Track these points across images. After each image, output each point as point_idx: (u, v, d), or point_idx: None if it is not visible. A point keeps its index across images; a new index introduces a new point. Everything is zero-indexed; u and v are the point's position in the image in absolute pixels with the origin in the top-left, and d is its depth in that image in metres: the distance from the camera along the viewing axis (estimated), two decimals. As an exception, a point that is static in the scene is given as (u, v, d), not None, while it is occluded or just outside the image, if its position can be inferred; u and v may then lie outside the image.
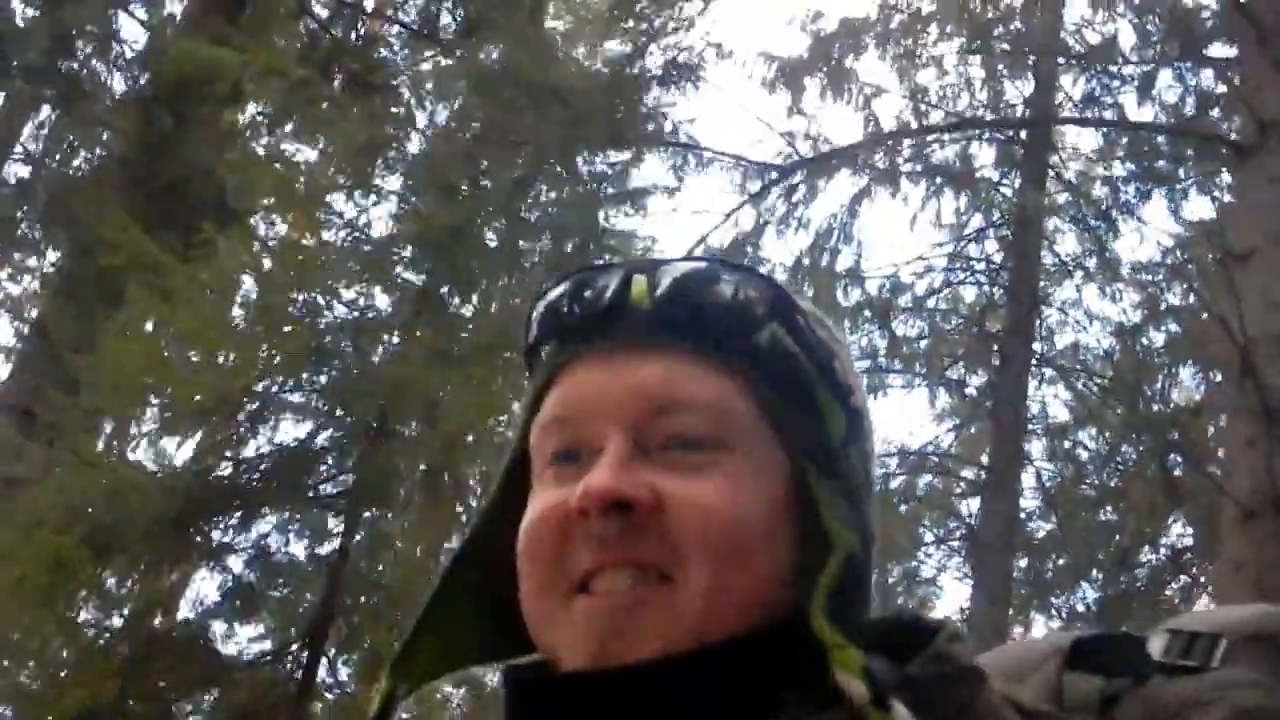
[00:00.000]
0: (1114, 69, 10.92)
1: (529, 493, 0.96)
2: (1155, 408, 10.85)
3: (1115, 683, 1.00)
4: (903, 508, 11.60)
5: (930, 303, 11.81)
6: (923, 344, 11.78)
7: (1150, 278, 11.36)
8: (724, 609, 0.88)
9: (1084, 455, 11.93)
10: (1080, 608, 11.46)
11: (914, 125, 11.31)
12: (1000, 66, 11.48)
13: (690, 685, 0.87)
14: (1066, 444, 11.93)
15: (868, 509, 0.97)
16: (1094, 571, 11.39)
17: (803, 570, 0.90)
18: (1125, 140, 11.35)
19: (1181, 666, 1.00)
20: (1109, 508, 11.59)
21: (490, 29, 8.51)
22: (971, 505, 11.89)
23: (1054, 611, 11.74)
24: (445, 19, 9.55)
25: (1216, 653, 1.00)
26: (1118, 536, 11.32)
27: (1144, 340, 11.37)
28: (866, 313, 11.30)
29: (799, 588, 0.90)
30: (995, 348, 11.37)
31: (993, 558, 10.18)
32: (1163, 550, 11.44)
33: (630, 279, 0.95)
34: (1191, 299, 10.56)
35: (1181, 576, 11.39)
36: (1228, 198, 9.97)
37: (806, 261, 11.14)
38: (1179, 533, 11.42)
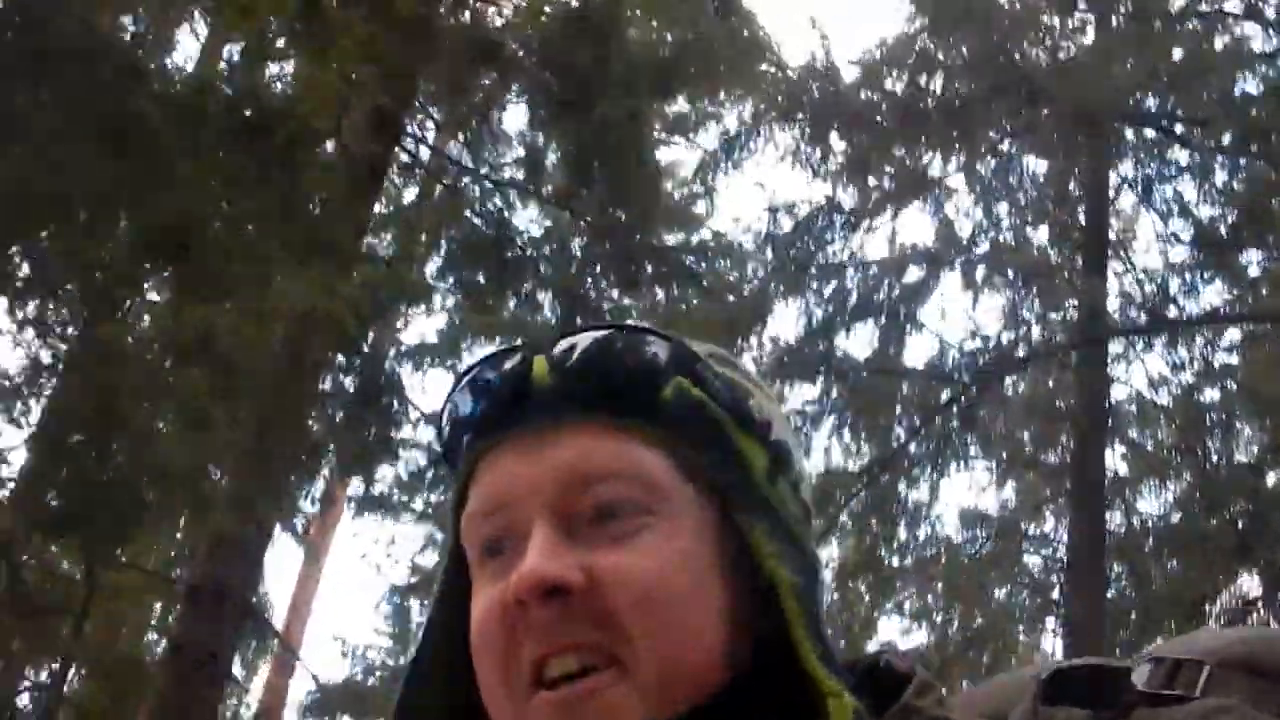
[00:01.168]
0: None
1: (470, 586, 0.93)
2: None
3: (1102, 715, 0.97)
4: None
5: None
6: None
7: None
8: (679, 678, 0.85)
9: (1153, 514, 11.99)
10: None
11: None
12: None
13: None
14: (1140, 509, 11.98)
15: (806, 541, 0.94)
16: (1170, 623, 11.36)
17: (757, 615, 0.88)
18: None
19: (1166, 695, 0.96)
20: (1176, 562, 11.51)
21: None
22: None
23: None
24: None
25: (1200, 680, 0.96)
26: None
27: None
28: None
29: (757, 634, 0.88)
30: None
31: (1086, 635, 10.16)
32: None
33: (530, 360, 0.93)
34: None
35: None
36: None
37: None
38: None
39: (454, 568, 0.96)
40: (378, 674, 16.22)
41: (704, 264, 9.85)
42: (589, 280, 9.56)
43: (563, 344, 0.93)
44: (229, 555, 8.36)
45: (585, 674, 0.84)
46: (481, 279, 10.09)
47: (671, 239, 10.59)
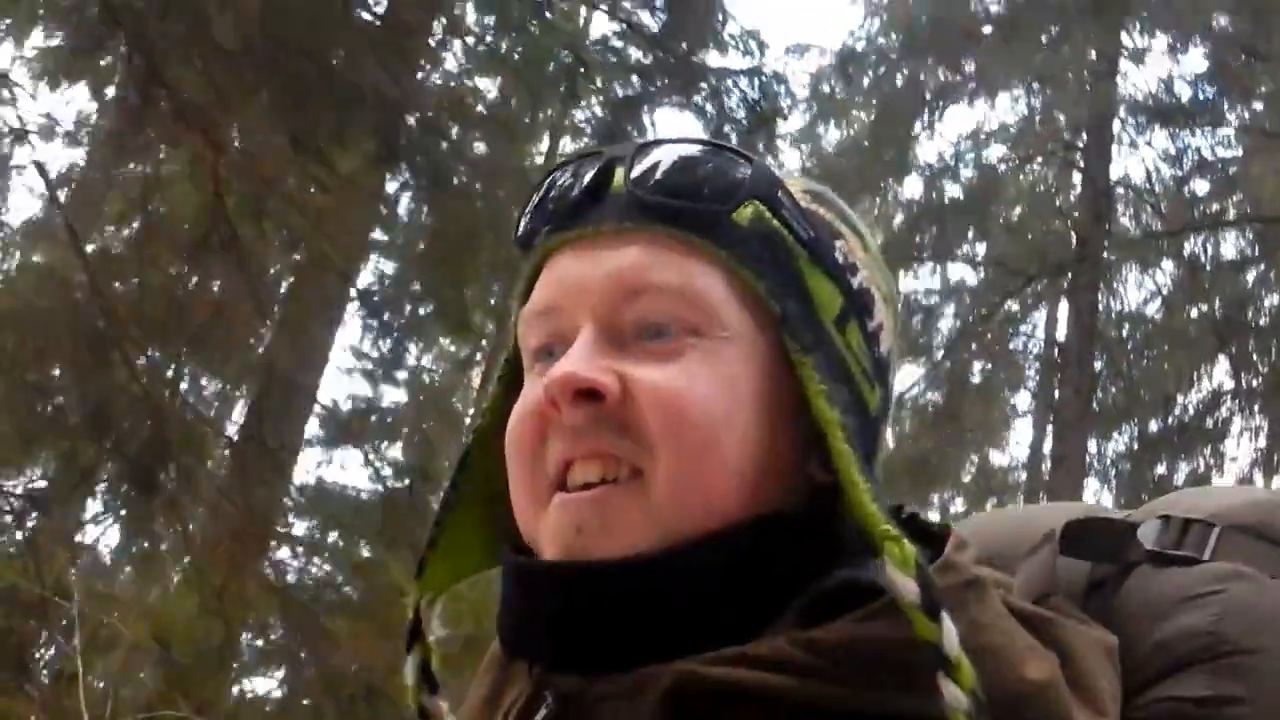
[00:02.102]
0: None
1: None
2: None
3: (1100, 569, 0.94)
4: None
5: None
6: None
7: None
8: (694, 500, 0.82)
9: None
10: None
11: None
12: None
13: (651, 588, 0.81)
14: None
15: (868, 388, 0.89)
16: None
17: (806, 456, 0.84)
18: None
19: (1174, 556, 0.92)
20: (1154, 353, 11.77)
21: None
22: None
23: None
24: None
25: (1210, 542, 0.93)
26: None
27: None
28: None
29: (804, 476, 0.84)
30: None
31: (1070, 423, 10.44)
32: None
33: (611, 164, 0.88)
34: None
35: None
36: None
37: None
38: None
39: (510, 371, 0.94)
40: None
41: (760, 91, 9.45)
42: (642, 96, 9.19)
43: (646, 152, 0.88)
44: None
45: (604, 484, 0.82)
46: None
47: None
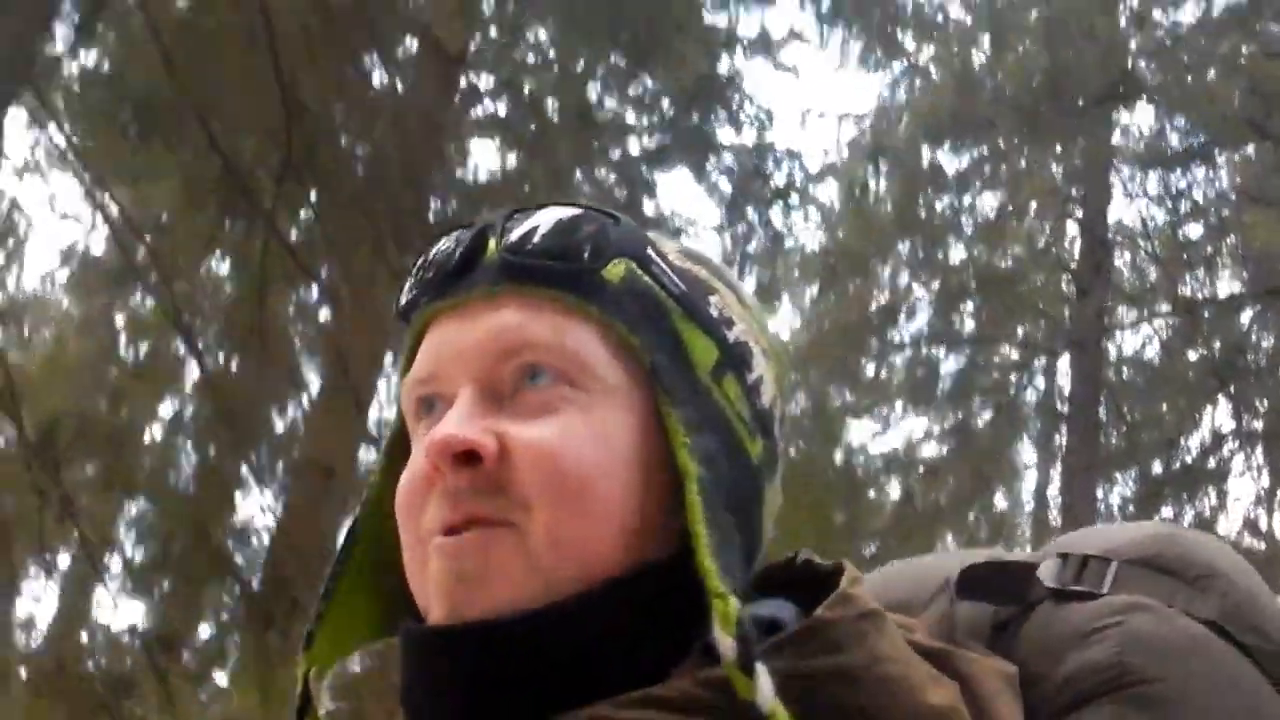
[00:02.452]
0: None
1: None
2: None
3: (1003, 611, 0.94)
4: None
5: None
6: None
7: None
8: (571, 555, 0.82)
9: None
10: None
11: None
12: None
13: (543, 641, 0.81)
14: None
15: (749, 437, 0.89)
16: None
17: (676, 511, 0.84)
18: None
19: (1073, 592, 0.93)
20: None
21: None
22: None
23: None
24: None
25: (1108, 576, 0.94)
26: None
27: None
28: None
29: (673, 530, 0.84)
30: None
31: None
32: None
33: (484, 232, 0.90)
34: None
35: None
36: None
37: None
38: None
39: (397, 441, 0.94)
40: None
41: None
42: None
43: (516, 217, 0.90)
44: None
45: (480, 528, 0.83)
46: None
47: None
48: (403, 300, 0.93)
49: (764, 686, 0.75)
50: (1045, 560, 0.96)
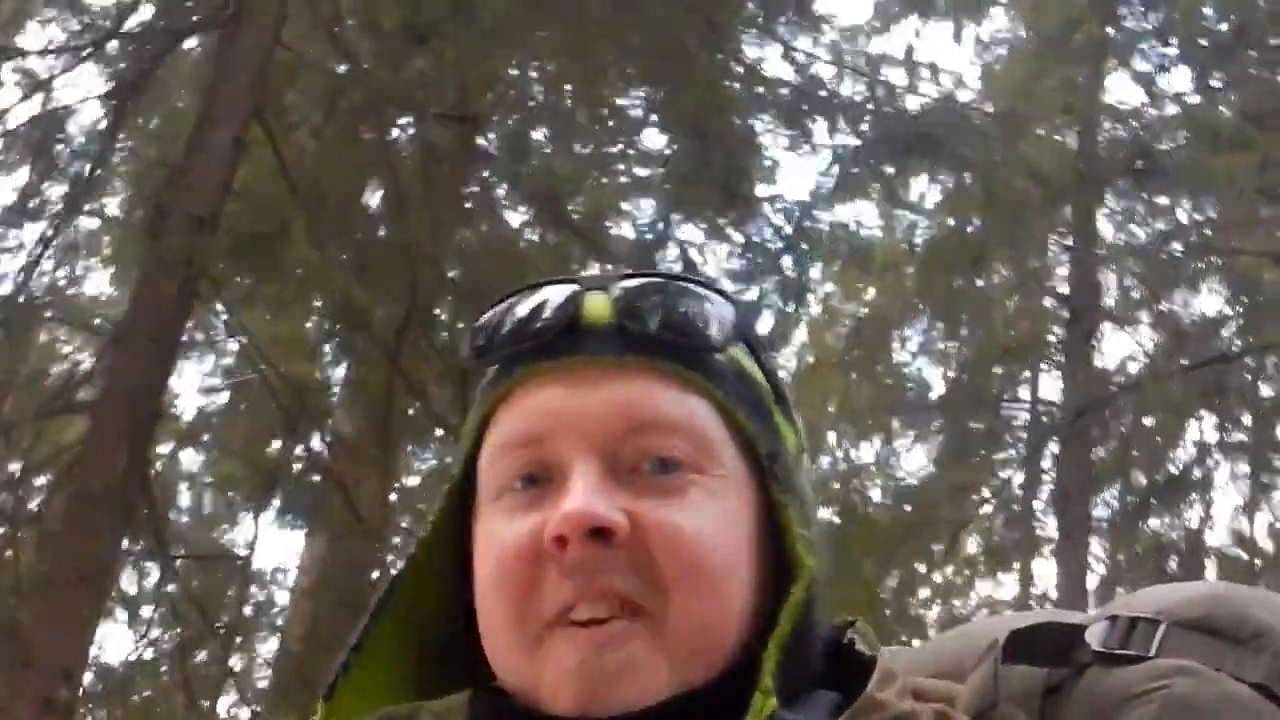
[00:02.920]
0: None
1: (471, 523, 0.88)
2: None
3: (1056, 673, 0.94)
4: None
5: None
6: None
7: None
8: (708, 645, 0.80)
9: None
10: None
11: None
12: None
13: None
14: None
15: (817, 529, 0.90)
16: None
17: (767, 598, 0.84)
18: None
19: (1120, 655, 0.93)
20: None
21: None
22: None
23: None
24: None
25: (1155, 638, 0.93)
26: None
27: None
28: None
29: (763, 618, 0.84)
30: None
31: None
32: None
33: (585, 295, 0.86)
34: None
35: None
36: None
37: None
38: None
39: (456, 498, 0.90)
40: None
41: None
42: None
43: (625, 284, 0.86)
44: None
45: (613, 620, 0.79)
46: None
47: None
48: (482, 349, 0.88)
49: None
50: (1094, 623, 0.96)
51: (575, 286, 0.87)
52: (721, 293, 0.88)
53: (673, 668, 0.80)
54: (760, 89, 8.26)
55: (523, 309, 0.87)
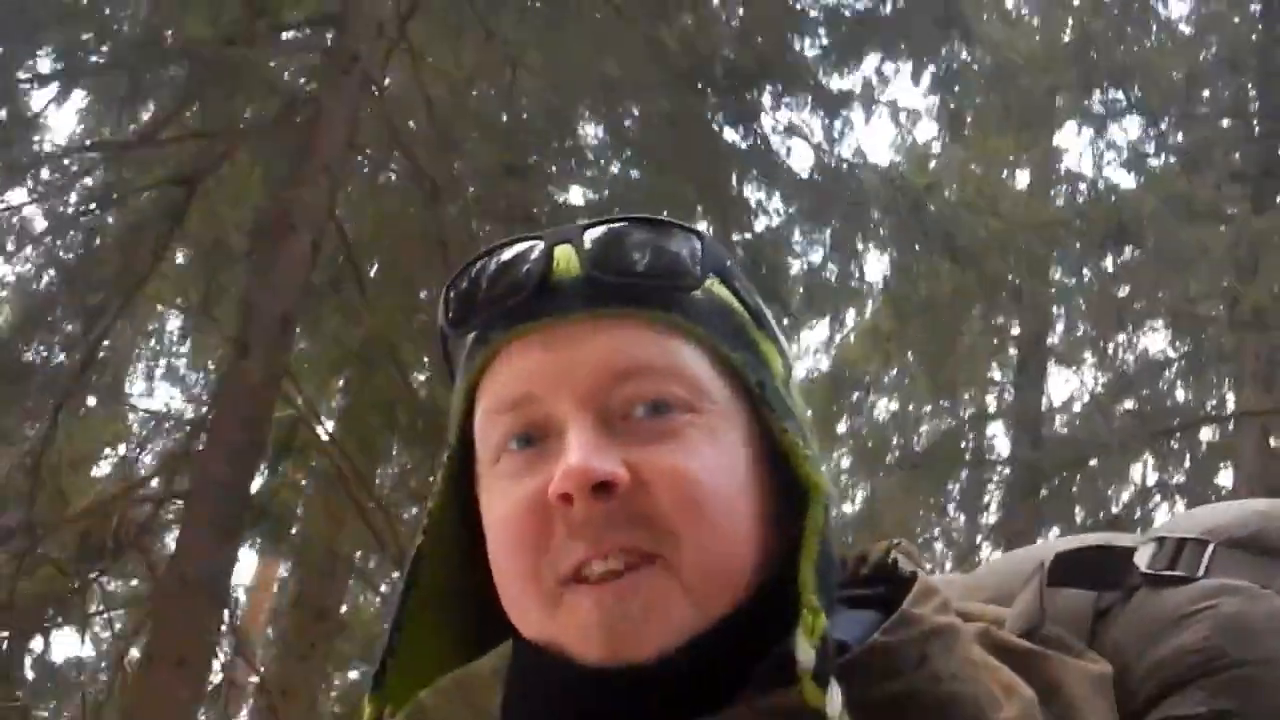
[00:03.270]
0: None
1: (476, 489, 0.87)
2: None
3: (1106, 596, 0.93)
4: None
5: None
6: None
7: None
8: (723, 581, 0.80)
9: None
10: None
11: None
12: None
13: (703, 667, 0.79)
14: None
15: (816, 446, 0.89)
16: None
17: (782, 522, 0.83)
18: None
19: (1167, 577, 0.92)
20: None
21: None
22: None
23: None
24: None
25: (1203, 559, 0.92)
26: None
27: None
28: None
29: (780, 543, 0.83)
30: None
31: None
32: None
33: (553, 250, 0.85)
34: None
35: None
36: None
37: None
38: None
39: (457, 466, 0.89)
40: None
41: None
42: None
43: (590, 234, 0.85)
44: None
45: (629, 570, 0.79)
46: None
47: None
48: (456, 319, 0.87)
49: (834, 698, 0.75)
50: (1142, 545, 0.95)
51: (541, 242, 0.86)
52: (687, 228, 0.87)
53: (694, 604, 0.79)
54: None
55: (492, 271, 0.86)
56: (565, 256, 0.85)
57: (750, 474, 0.84)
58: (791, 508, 0.83)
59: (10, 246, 7.59)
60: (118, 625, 8.55)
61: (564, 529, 0.80)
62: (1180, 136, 11.41)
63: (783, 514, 0.84)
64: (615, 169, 8.79)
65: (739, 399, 0.85)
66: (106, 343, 7.50)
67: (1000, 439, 12.81)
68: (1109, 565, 0.95)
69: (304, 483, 8.56)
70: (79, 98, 8.08)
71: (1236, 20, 11.65)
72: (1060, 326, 12.66)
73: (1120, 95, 11.50)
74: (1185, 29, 11.99)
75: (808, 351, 12.94)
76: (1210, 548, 0.93)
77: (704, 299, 0.86)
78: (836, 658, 0.78)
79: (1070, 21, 11.97)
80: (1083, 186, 11.63)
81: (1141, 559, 0.94)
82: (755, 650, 0.79)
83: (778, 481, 0.84)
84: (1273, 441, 10.50)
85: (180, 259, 8.14)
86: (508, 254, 0.86)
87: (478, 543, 0.87)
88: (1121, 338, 12.03)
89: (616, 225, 0.86)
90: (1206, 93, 11.28)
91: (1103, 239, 10.90)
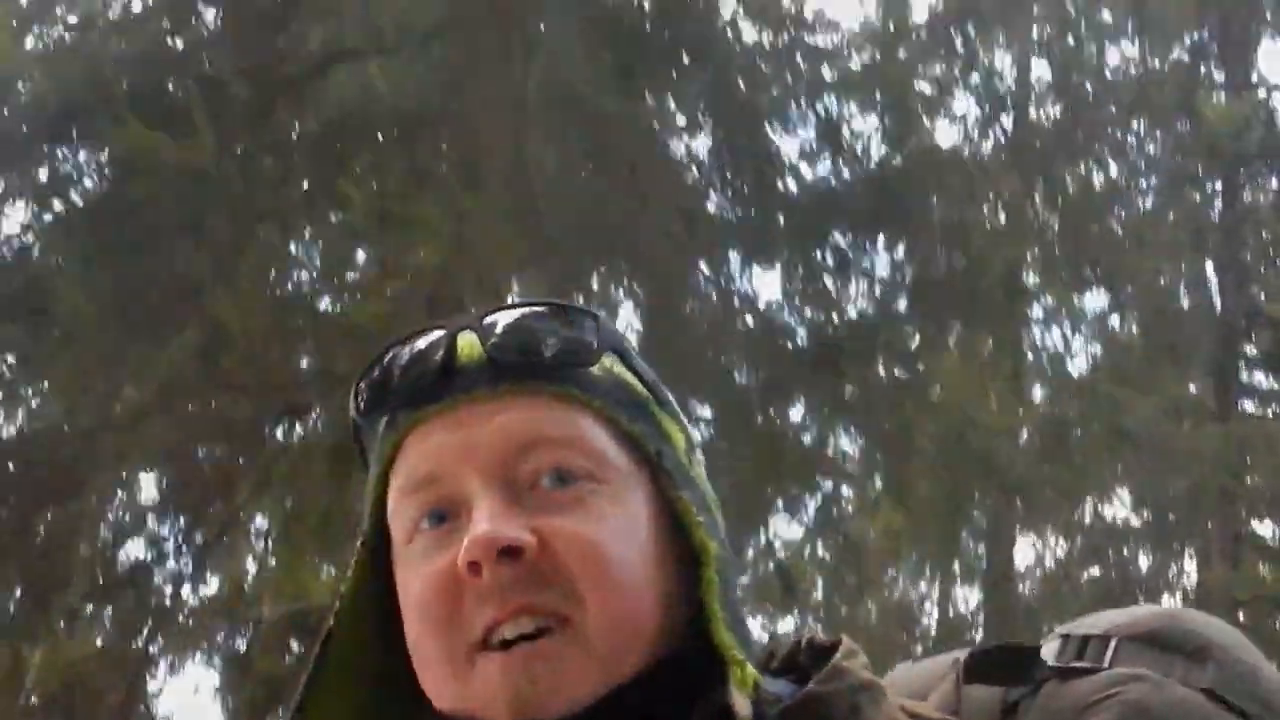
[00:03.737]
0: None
1: (389, 569, 0.89)
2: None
3: (1014, 691, 0.98)
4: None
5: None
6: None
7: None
8: (628, 642, 0.83)
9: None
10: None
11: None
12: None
13: None
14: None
15: (719, 511, 0.93)
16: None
17: (683, 588, 0.86)
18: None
19: (1075, 669, 0.98)
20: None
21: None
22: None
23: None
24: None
25: (1108, 653, 0.98)
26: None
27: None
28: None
29: (683, 608, 0.86)
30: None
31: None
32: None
33: (455, 337, 0.88)
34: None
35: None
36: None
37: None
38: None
39: (370, 554, 0.91)
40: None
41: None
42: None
43: (490, 319, 0.89)
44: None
45: (539, 635, 0.81)
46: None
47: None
48: (369, 406, 0.91)
49: None
50: (1047, 643, 1.01)
51: (444, 331, 0.90)
52: (584, 310, 0.91)
53: (600, 665, 0.81)
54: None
55: (401, 360, 0.90)
56: (468, 342, 0.88)
57: (652, 539, 0.86)
58: (693, 573, 0.86)
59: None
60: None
61: (474, 598, 0.82)
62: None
63: (688, 578, 0.86)
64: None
65: (640, 469, 0.88)
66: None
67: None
68: (1019, 661, 1.00)
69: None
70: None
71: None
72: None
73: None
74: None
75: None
76: (1114, 642, 0.98)
77: (602, 375, 0.89)
78: (774, 708, 0.81)
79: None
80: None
81: (1048, 654, 1.00)
82: (671, 707, 0.82)
83: (680, 548, 0.87)
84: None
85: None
86: (418, 343, 0.90)
87: (395, 622, 0.88)
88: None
89: (514, 310, 0.90)
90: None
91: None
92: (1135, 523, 11.91)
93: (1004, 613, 11.51)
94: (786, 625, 10.77)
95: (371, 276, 8.11)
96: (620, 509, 0.85)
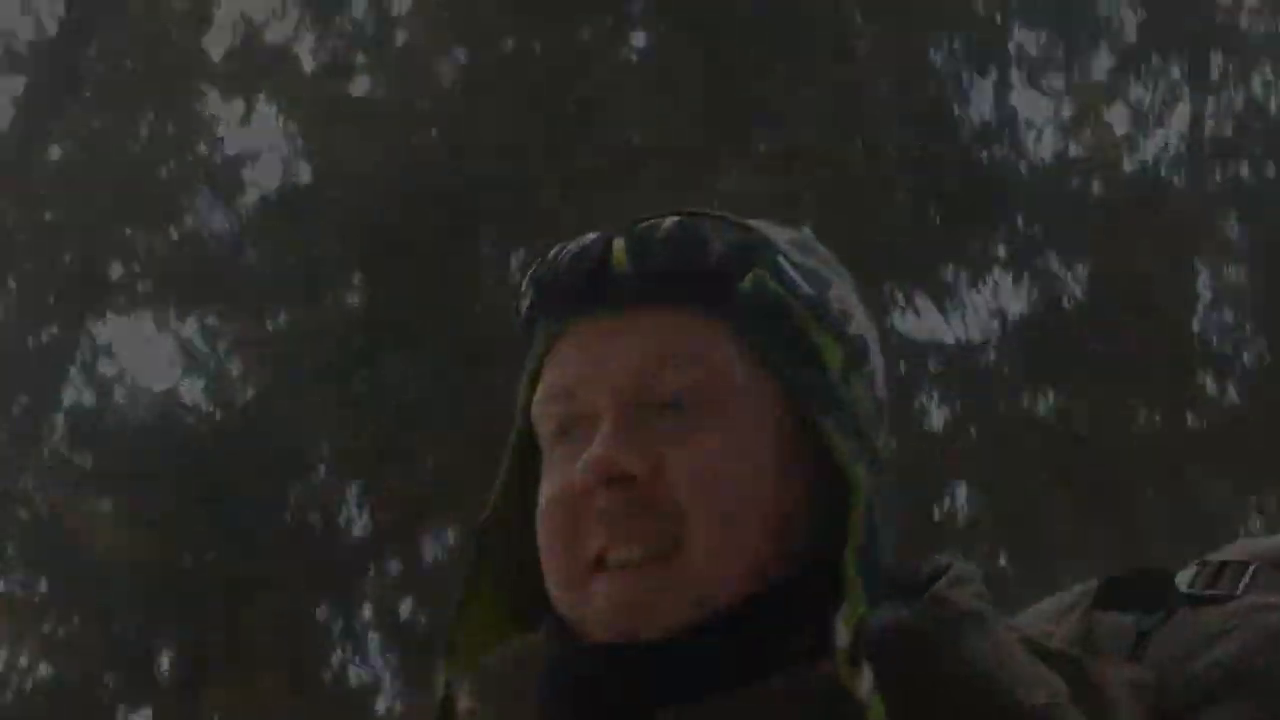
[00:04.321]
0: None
1: (540, 468, 0.90)
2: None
3: (1148, 618, 0.95)
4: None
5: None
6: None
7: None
8: (731, 565, 0.82)
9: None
10: None
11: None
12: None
13: (710, 653, 0.82)
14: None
15: (877, 434, 0.91)
16: None
17: (822, 512, 0.85)
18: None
19: (1208, 596, 0.94)
20: None
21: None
22: None
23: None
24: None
25: (1243, 579, 0.94)
26: None
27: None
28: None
29: (821, 530, 0.84)
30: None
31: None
32: None
33: (609, 243, 0.88)
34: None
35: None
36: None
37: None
38: None
39: (520, 451, 0.92)
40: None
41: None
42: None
43: (644, 228, 0.88)
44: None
45: (645, 562, 0.82)
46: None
47: None
48: (524, 312, 0.92)
49: (865, 678, 0.77)
50: (1184, 570, 0.97)
51: (606, 235, 0.89)
52: (733, 220, 0.90)
53: (701, 592, 0.82)
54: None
55: (562, 262, 0.90)
56: (619, 250, 0.88)
57: (778, 467, 0.85)
58: (839, 499, 0.84)
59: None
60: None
61: (589, 518, 0.83)
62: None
63: (831, 503, 0.85)
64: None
65: (777, 393, 0.86)
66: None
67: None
68: (1152, 588, 0.96)
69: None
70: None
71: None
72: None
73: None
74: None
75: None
76: (1251, 568, 0.95)
77: (750, 292, 0.87)
78: (870, 638, 0.79)
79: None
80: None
81: (1182, 581, 0.96)
82: (780, 632, 0.82)
83: (822, 471, 0.85)
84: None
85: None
86: (574, 247, 0.90)
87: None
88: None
89: (664, 220, 0.88)
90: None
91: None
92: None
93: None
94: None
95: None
96: (743, 433, 0.84)
